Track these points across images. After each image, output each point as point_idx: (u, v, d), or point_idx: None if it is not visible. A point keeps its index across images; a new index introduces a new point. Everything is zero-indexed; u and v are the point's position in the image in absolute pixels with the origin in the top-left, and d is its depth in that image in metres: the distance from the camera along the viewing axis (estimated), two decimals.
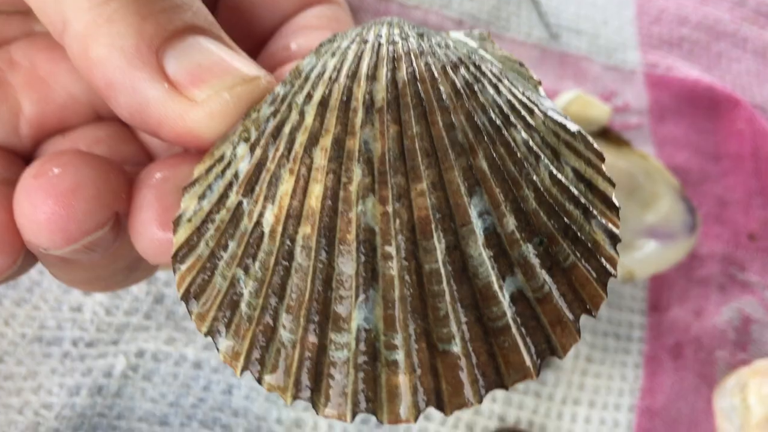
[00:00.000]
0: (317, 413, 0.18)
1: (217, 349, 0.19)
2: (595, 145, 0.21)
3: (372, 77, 0.18)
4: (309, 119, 0.18)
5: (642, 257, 0.47)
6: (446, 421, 0.41)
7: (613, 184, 0.20)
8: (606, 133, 0.51)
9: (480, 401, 0.18)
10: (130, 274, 0.25)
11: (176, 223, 0.20)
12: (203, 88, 0.20)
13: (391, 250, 0.18)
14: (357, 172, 0.18)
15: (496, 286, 0.18)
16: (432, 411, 0.41)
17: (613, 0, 0.63)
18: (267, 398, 0.39)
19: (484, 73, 0.19)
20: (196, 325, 0.19)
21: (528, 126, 0.19)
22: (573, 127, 0.21)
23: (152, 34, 0.19)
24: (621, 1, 0.63)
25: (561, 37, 0.59)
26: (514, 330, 0.18)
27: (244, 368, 0.19)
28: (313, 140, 0.18)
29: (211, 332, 0.19)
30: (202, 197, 0.20)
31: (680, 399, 0.46)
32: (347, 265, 0.18)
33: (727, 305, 0.50)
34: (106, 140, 0.25)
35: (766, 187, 0.56)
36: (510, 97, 0.20)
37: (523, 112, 0.19)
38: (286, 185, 0.18)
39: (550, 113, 0.20)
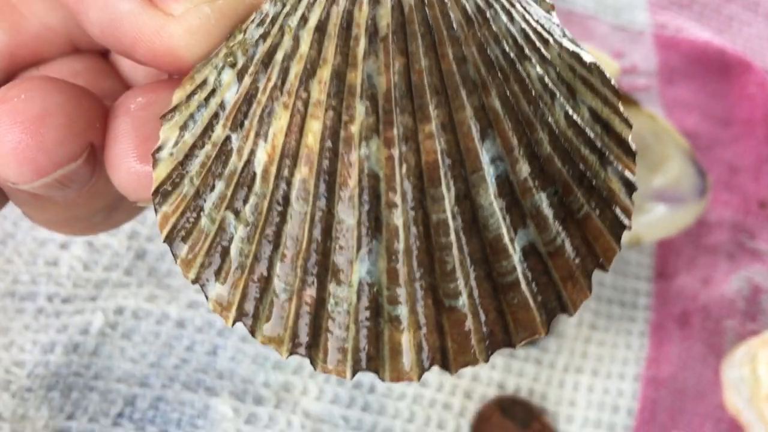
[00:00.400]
0: (315, 369, 0.17)
1: (206, 297, 0.17)
2: (613, 81, 0.19)
3: (375, 0, 0.16)
4: (304, 47, 0.16)
5: (649, 221, 0.45)
6: (442, 387, 0.39)
7: (629, 125, 0.19)
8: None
9: (487, 360, 0.17)
10: (110, 215, 0.23)
11: (156, 155, 0.18)
12: (181, 0, 0.18)
13: (396, 197, 0.16)
14: (359, 110, 0.16)
15: (507, 239, 0.17)
16: (428, 376, 0.39)
17: None
18: (254, 360, 0.37)
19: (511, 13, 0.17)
20: (182, 270, 0.18)
21: (543, 59, 0.18)
22: (588, 58, 0.19)
23: None
24: None
25: None
26: (524, 286, 0.17)
27: (237, 319, 0.17)
28: (310, 71, 0.16)
29: (199, 279, 0.18)
30: (184, 127, 0.18)
31: (687, 369, 0.44)
32: (348, 213, 0.16)
33: (736, 274, 0.48)
34: (84, 73, 0.23)
35: None
36: (524, 24, 0.18)
37: (538, 43, 0.18)
38: (281, 121, 0.16)
39: (565, 43, 0.19)
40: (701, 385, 0.44)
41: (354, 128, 0.16)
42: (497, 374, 0.41)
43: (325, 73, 0.16)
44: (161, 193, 0.18)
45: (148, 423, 0.35)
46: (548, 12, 0.19)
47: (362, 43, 0.16)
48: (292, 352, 0.17)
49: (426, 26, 0.16)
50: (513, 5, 0.18)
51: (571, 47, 0.19)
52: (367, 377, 0.38)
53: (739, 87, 0.56)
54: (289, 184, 0.17)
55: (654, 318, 0.45)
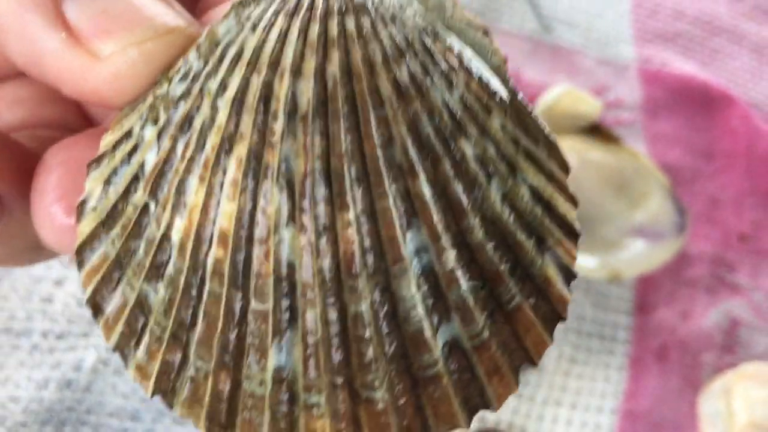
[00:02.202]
0: None
1: (125, 366, 0.17)
2: (561, 150, 0.19)
3: (297, 71, 0.15)
4: (222, 118, 0.16)
5: (629, 257, 0.47)
6: None
7: (575, 204, 0.18)
8: (596, 129, 0.50)
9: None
10: (36, 253, 0.22)
11: (80, 209, 0.18)
12: (107, 41, 0.17)
13: (313, 288, 0.16)
14: (275, 196, 0.15)
15: (429, 333, 0.16)
16: None
17: None
18: None
19: (436, 61, 0.16)
20: (103, 334, 0.18)
21: (483, 133, 0.17)
22: (537, 126, 0.18)
23: None
24: None
25: (554, 30, 0.58)
26: (445, 381, 0.17)
27: (155, 392, 0.17)
28: (227, 146, 0.16)
29: (119, 347, 0.17)
30: (107, 182, 0.18)
31: (664, 403, 0.45)
32: (264, 300, 0.16)
33: (715, 307, 0.50)
34: (29, 101, 0.22)
35: (759, 187, 0.55)
36: (465, 91, 0.17)
37: (480, 115, 0.17)
38: (196, 197, 0.16)
39: (509, 109, 0.17)
40: (678, 418, 0.45)
41: (270, 213, 0.15)
42: None
43: (242, 150, 0.15)
44: (84, 252, 0.18)
45: None
46: (498, 67, 0.18)
47: (280, 121, 0.15)
48: (207, 430, 0.17)
49: (351, 104, 0.15)
50: (454, 68, 0.17)
51: (519, 113, 0.18)
52: None
53: (722, 121, 0.58)
54: (204, 263, 0.16)
55: (633, 351, 0.46)
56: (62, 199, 0.18)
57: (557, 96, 0.49)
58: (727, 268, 0.52)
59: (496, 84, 0.18)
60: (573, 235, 0.18)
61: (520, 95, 0.18)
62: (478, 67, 0.17)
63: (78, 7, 0.17)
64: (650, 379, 0.46)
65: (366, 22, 0.16)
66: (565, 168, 0.19)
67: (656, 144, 0.56)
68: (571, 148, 0.49)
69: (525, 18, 0.59)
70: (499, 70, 0.18)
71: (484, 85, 0.17)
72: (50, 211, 0.18)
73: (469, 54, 0.17)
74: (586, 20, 0.60)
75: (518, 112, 0.18)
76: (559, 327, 0.44)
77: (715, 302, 0.50)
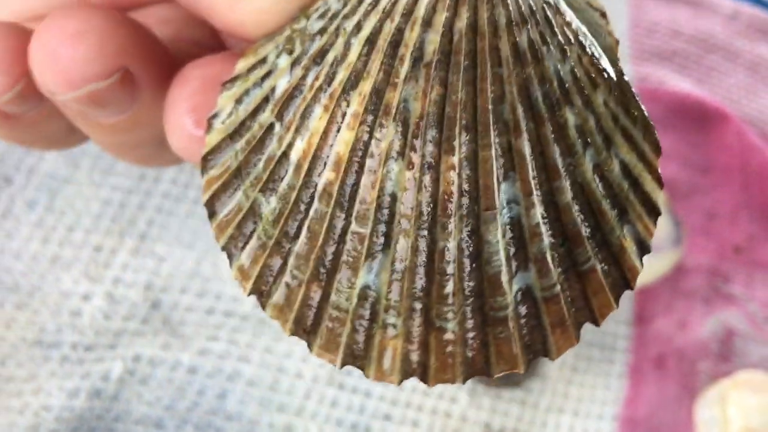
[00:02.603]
0: (311, 351, 0.18)
1: (230, 265, 0.19)
2: (655, 133, 0.20)
3: (427, 23, 0.17)
4: (353, 55, 0.17)
5: None
6: (433, 427, 0.42)
7: (661, 185, 0.19)
8: None
9: (464, 382, 0.18)
10: (160, 152, 0.24)
11: (210, 122, 0.20)
12: None
13: (409, 219, 0.17)
14: (390, 131, 0.17)
15: (505, 278, 0.17)
16: (420, 416, 0.42)
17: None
18: (260, 403, 0.41)
19: (554, 32, 0.17)
20: (214, 234, 0.19)
21: (587, 105, 0.18)
22: (638, 107, 0.19)
23: None
24: (614, 14, 0.64)
25: None
26: (512, 324, 0.18)
27: (252, 291, 0.19)
28: (354, 81, 0.17)
29: (227, 248, 0.19)
30: (239, 101, 0.19)
31: (662, 409, 0.47)
32: (363, 224, 0.17)
33: (711, 317, 0.52)
34: (175, 21, 0.23)
35: (753, 201, 0.58)
36: (576, 65, 0.18)
37: (587, 88, 0.18)
38: (319, 123, 0.17)
39: (614, 88, 0.19)
40: (675, 424, 0.47)
41: (382, 146, 0.17)
42: (484, 414, 0.44)
43: (366, 86, 0.17)
44: (209, 160, 0.19)
45: None
46: (611, 48, 0.19)
47: (406, 65, 0.17)
48: (293, 333, 0.18)
49: (471, 59, 0.16)
50: (570, 41, 0.18)
51: (622, 93, 0.19)
52: (361, 421, 0.41)
53: (718, 137, 0.60)
54: (316, 183, 0.17)
55: (632, 360, 0.48)
56: (194, 111, 0.20)
57: None
58: (723, 279, 0.54)
59: (605, 62, 0.19)
60: (654, 212, 0.19)
61: (627, 77, 0.19)
62: (592, 43, 0.18)
63: None
64: (649, 387, 0.48)
65: None
66: (657, 150, 0.19)
67: None
68: None
69: None
70: (611, 51, 0.19)
71: (594, 61, 0.18)
72: (182, 121, 0.20)
73: (584, 30, 0.18)
74: None
75: (622, 91, 0.19)
76: None
77: (711, 312, 0.52)
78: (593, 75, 0.18)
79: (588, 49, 0.18)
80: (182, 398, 0.40)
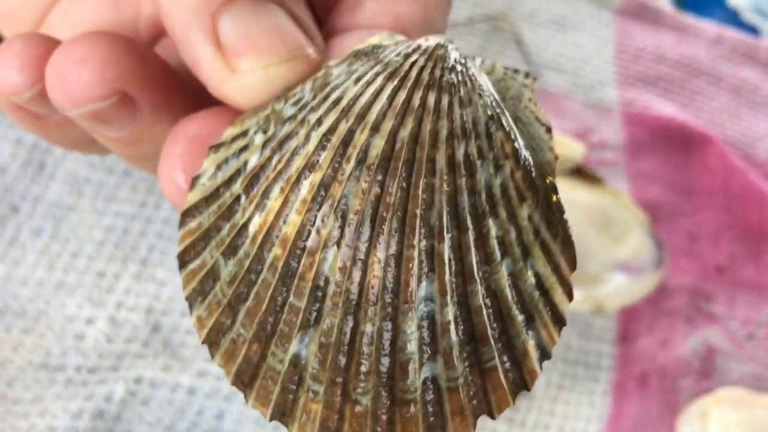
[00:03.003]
0: (246, 401, 0.21)
1: (191, 314, 0.21)
2: (574, 249, 0.21)
3: (376, 128, 0.19)
4: (310, 147, 0.19)
5: (611, 290, 0.50)
6: None
7: (570, 297, 0.21)
8: (580, 171, 0.54)
9: None
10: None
11: (194, 181, 0.22)
12: (244, 59, 0.21)
13: (338, 302, 0.19)
14: (330, 221, 0.19)
15: (415, 365, 0.19)
16: None
17: (593, 39, 0.66)
18: (256, 422, 0.42)
19: (492, 147, 0.20)
20: (182, 282, 0.22)
21: (511, 217, 0.20)
22: (562, 223, 0.21)
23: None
24: (601, 41, 0.66)
25: (542, 75, 0.63)
26: (418, 407, 0.20)
27: (204, 340, 0.21)
28: (307, 171, 0.19)
29: (189, 298, 0.21)
30: (219, 167, 0.22)
31: (645, 426, 0.49)
32: (300, 299, 0.20)
33: (693, 336, 0.53)
34: None
35: (735, 222, 0.59)
36: (507, 179, 0.20)
37: (513, 202, 0.20)
38: (275, 203, 0.20)
39: (541, 202, 0.20)
40: None
41: (323, 234, 0.19)
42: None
43: (317, 177, 0.19)
44: (187, 216, 0.22)
45: None
46: (549, 164, 0.21)
47: (351, 164, 0.19)
48: (233, 383, 0.21)
49: (408, 167, 0.18)
50: (506, 156, 0.20)
51: (547, 210, 0.21)
52: None
53: (700, 159, 0.62)
54: (266, 256, 0.20)
55: (616, 378, 0.50)
56: (183, 170, 0.23)
57: None
58: (705, 299, 0.55)
59: (538, 179, 0.21)
60: (560, 323, 0.21)
61: (557, 197, 0.21)
62: (528, 160, 0.20)
63: (229, 27, 0.21)
64: (632, 404, 0.49)
65: (445, 100, 0.19)
66: (573, 265, 0.21)
67: (638, 182, 0.60)
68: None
69: (516, 64, 0.63)
70: (548, 165, 0.21)
71: (526, 177, 0.20)
72: (173, 175, 0.23)
73: (523, 145, 0.21)
74: (572, 66, 0.64)
75: (548, 207, 0.21)
76: None
77: (693, 331, 0.54)
78: (522, 190, 0.20)
79: (522, 164, 0.20)
80: (182, 418, 0.42)
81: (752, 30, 0.73)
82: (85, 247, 0.46)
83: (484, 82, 0.20)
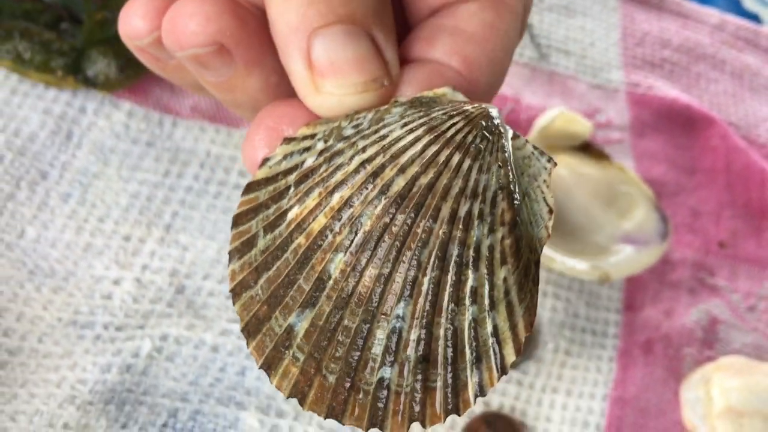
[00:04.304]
0: (247, 346, 0.24)
1: (228, 266, 0.25)
2: (534, 315, 0.25)
3: (402, 170, 0.23)
4: (350, 168, 0.23)
5: (618, 261, 0.52)
6: None
7: (518, 354, 0.24)
8: (587, 147, 0.55)
9: (320, 415, 0.24)
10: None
11: (264, 161, 0.26)
12: (327, 83, 0.25)
13: (333, 296, 0.23)
14: (344, 232, 0.23)
15: (376, 365, 0.23)
16: None
17: (600, 24, 0.68)
18: None
19: (493, 213, 0.23)
20: (230, 238, 0.26)
21: (489, 274, 0.23)
22: (532, 292, 0.25)
23: (311, 20, 0.24)
24: (607, 25, 0.68)
25: (550, 57, 0.64)
26: (369, 398, 0.23)
27: (232, 290, 0.25)
28: (342, 186, 0.23)
29: (231, 253, 0.25)
30: (284, 157, 0.26)
31: (649, 390, 0.50)
32: (307, 283, 0.23)
33: (696, 307, 0.55)
34: None
35: (736, 200, 0.61)
36: (496, 244, 0.23)
37: (495, 263, 0.23)
38: (311, 202, 0.23)
39: (520, 270, 0.24)
40: (662, 404, 0.50)
41: (337, 240, 0.23)
42: None
43: (346, 193, 0.23)
44: (251, 188, 0.26)
45: None
46: (541, 238, 0.25)
47: (374, 192, 0.22)
48: (242, 329, 0.24)
49: (416, 209, 0.22)
50: (503, 224, 0.23)
51: (527, 272, 0.24)
52: None
53: (703, 139, 0.63)
54: (292, 240, 0.24)
55: (621, 345, 0.52)
56: (259, 148, 0.26)
57: (552, 117, 0.54)
58: (707, 273, 0.57)
59: (525, 249, 0.24)
60: (502, 371, 0.24)
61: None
62: (519, 231, 0.24)
63: (320, 50, 0.24)
64: (637, 370, 0.51)
65: (466, 163, 0.23)
66: (528, 328, 0.24)
67: (643, 161, 0.61)
68: (566, 164, 0.55)
69: (524, 46, 0.64)
70: (539, 241, 0.25)
71: (513, 245, 0.23)
72: (252, 153, 0.27)
73: (521, 219, 0.24)
74: (579, 49, 0.66)
75: (525, 275, 0.24)
76: (556, 323, 0.49)
77: (696, 302, 0.55)
78: (507, 255, 0.23)
79: (514, 233, 0.23)
80: (205, 375, 0.43)
81: (754, 18, 0.75)
82: (111, 213, 0.47)
83: (509, 156, 0.24)
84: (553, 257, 0.50)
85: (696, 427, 0.49)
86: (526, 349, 0.50)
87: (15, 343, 0.42)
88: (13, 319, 0.43)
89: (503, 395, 0.47)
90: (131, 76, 0.49)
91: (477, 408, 0.46)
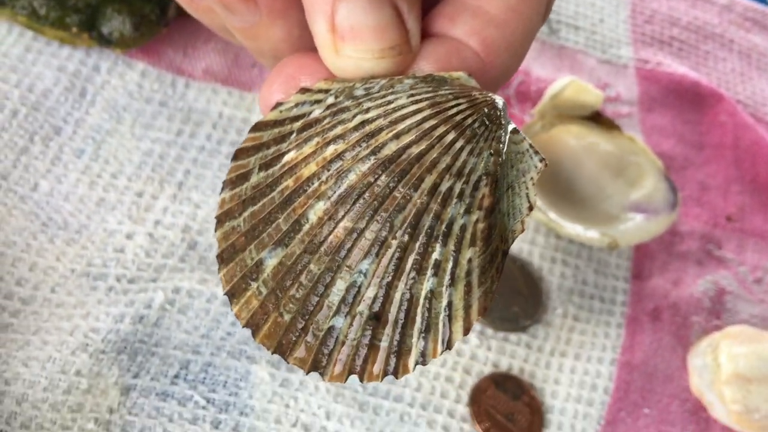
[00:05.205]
0: (218, 271, 0.26)
1: (220, 193, 0.27)
2: (490, 304, 0.26)
3: (396, 136, 0.23)
4: (350, 125, 0.24)
5: (627, 229, 0.52)
6: (445, 364, 0.46)
7: (466, 333, 0.25)
8: (597, 117, 0.56)
9: (268, 349, 0.25)
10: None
11: (277, 105, 0.27)
12: (346, 46, 0.25)
13: (305, 240, 0.24)
14: (329, 183, 0.24)
15: (330, 313, 0.24)
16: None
17: (610, 1, 0.68)
18: None
19: (473, 195, 0.24)
20: (229, 170, 0.27)
21: (455, 252, 0.24)
22: (493, 279, 0.26)
23: None
24: (617, 2, 0.68)
25: (560, 32, 0.64)
26: (317, 342, 0.24)
27: (218, 217, 0.26)
28: (338, 139, 0.24)
29: (224, 183, 0.27)
30: (296, 105, 0.27)
31: (657, 356, 0.51)
32: (285, 223, 0.24)
33: (703, 278, 0.55)
34: None
35: (744, 175, 0.61)
36: (468, 224, 0.24)
37: (463, 243, 0.24)
38: (307, 149, 0.25)
39: (486, 255, 0.25)
40: (669, 370, 0.50)
41: (321, 188, 0.24)
42: (492, 355, 0.47)
43: (340, 147, 0.24)
44: (258, 127, 0.27)
45: (200, 384, 0.42)
46: (515, 230, 0.26)
47: (366, 152, 0.23)
48: (217, 254, 0.26)
49: (401, 175, 0.23)
50: (479, 208, 0.24)
51: (493, 259, 0.25)
52: None
53: (712, 115, 0.64)
54: (282, 181, 0.25)
55: (629, 312, 0.52)
56: (276, 92, 0.27)
57: (563, 86, 0.54)
58: (715, 245, 0.57)
59: (496, 238, 0.25)
60: (447, 346, 0.25)
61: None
62: (495, 219, 0.25)
63: (343, 14, 0.25)
64: (645, 336, 0.51)
65: (459, 143, 0.23)
66: (482, 311, 0.25)
67: (651, 135, 0.62)
68: (576, 133, 0.55)
69: None
70: (511, 233, 0.26)
71: (485, 230, 0.24)
72: (268, 96, 0.28)
73: (499, 208, 0.25)
74: (589, 24, 0.66)
75: (491, 261, 0.25)
76: (565, 289, 0.49)
77: (703, 273, 0.55)
78: (477, 238, 0.24)
79: (488, 220, 0.24)
80: (217, 328, 0.43)
81: (762, 1, 0.75)
82: (124, 169, 0.47)
83: (503, 147, 0.24)
84: (563, 224, 0.51)
85: (703, 393, 0.49)
86: (534, 313, 0.50)
87: (28, 293, 0.42)
88: (26, 269, 0.43)
89: (512, 357, 0.48)
90: (146, 34, 0.49)
91: (487, 369, 0.47)
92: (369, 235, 0.23)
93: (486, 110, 0.24)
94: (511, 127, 0.25)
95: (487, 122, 0.24)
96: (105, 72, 0.50)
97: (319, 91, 0.27)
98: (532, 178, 0.25)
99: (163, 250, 0.45)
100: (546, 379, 0.48)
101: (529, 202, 0.26)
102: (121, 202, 0.46)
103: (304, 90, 0.27)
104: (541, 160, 0.25)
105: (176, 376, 0.42)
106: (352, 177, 0.23)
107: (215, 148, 0.50)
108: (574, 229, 0.50)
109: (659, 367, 0.50)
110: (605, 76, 0.64)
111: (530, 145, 0.25)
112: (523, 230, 0.26)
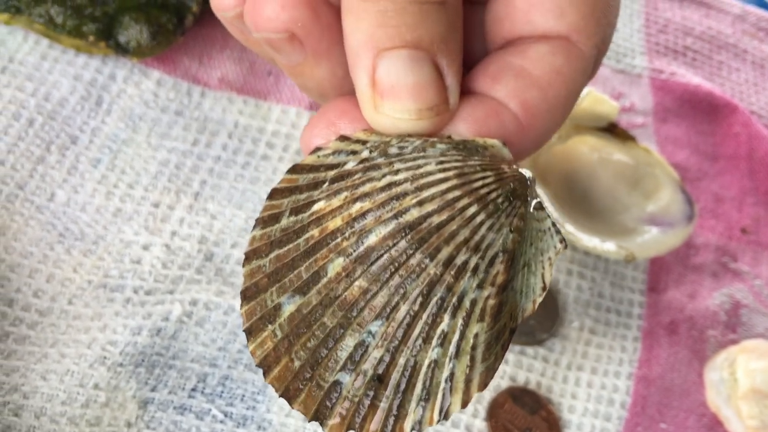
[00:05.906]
0: (240, 307, 0.26)
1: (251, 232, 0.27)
2: (490, 379, 0.26)
3: (420, 203, 0.24)
4: (378, 184, 0.24)
5: (644, 241, 0.52)
6: None
7: (464, 407, 0.25)
8: (613, 129, 0.55)
9: (276, 392, 0.25)
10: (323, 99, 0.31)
11: (315, 149, 0.28)
12: (385, 103, 0.25)
13: (322, 293, 0.25)
14: (351, 240, 0.24)
15: (337, 367, 0.25)
16: None
17: (623, 10, 0.68)
18: None
19: (488, 271, 0.24)
20: (262, 209, 0.27)
21: (463, 326, 0.24)
22: (498, 357, 0.26)
23: (379, 40, 0.25)
24: (631, 12, 0.68)
25: None
26: (321, 393, 0.25)
27: (247, 254, 0.27)
28: (365, 197, 0.24)
29: (258, 222, 0.27)
30: (333, 153, 0.27)
31: (674, 371, 0.50)
32: (306, 273, 0.25)
33: (719, 291, 0.55)
34: None
35: (759, 187, 0.61)
36: (479, 301, 0.24)
37: (472, 318, 0.24)
38: (336, 201, 0.25)
39: (492, 332, 0.25)
40: (686, 384, 0.50)
41: (343, 244, 0.24)
42: (509, 369, 0.47)
43: (366, 206, 0.24)
44: (296, 170, 0.27)
45: (217, 397, 0.42)
46: (526, 309, 0.26)
47: (389, 214, 0.24)
48: (241, 291, 0.26)
49: (419, 243, 0.23)
50: (492, 285, 0.24)
51: (500, 334, 0.25)
52: None
53: (726, 126, 0.63)
54: (309, 230, 0.25)
55: (646, 326, 0.52)
56: (317, 137, 0.28)
57: (580, 97, 0.54)
58: (730, 258, 0.57)
59: (505, 315, 0.25)
60: (445, 416, 0.25)
61: (509, 337, 0.26)
62: (506, 296, 0.25)
63: (384, 70, 0.25)
64: (662, 350, 0.51)
65: (480, 217, 0.24)
66: (482, 387, 0.25)
67: (666, 146, 0.61)
68: (592, 144, 0.55)
69: None
70: (522, 312, 0.26)
71: (495, 306, 0.25)
72: (309, 140, 0.28)
73: (512, 286, 0.25)
74: None
75: (497, 338, 0.25)
76: (581, 302, 0.49)
77: (719, 286, 0.55)
78: (486, 314, 0.24)
79: (499, 297, 0.25)
80: (234, 341, 0.43)
81: None
82: (140, 179, 0.47)
83: (524, 224, 0.25)
84: (580, 236, 0.50)
85: (720, 408, 0.49)
86: (551, 326, 0.49)
87: (45, 304, 0.42)
88: (43, 280, 0.43)
89: (529, 371, 0.47)
90: (162, 43, 0.49)
91: (504, 383, 0.46)
92: (382, 297, 0.24)
93: (511, 185, 0.24)
94: (535, 202, 0.25)
95: (511, 198, 0.24)
96: (121, 80, 0.50)
97: (357, 141, 0.27)
98: (549, 258, 0.26)
99: (180, 262, 0.45)
100: (563, 394, 0.47)
101: (543, 282, 0.26)
102: (138, 212, 0.46)
103: (343, 138, 0.27)
104: (561, 241, 0.26)
105: (194, 390, 0.41)
106: (372, 238, 0.24)
107: (231, 158, 0.49)
108: (591, 241, 0.50)
109: (676, 382, 0.50)
110: (619, 85, 0.63)
111: (552, 224, 0.26)
112: (533, 311, 0.26)
